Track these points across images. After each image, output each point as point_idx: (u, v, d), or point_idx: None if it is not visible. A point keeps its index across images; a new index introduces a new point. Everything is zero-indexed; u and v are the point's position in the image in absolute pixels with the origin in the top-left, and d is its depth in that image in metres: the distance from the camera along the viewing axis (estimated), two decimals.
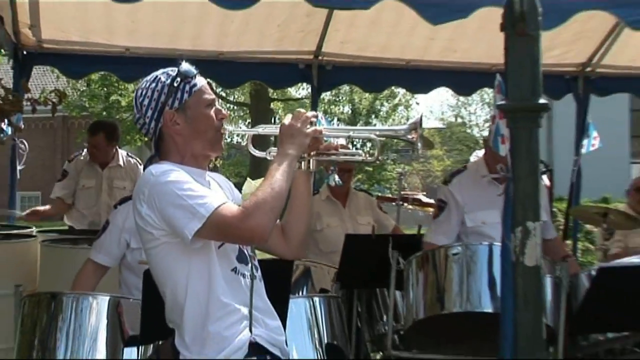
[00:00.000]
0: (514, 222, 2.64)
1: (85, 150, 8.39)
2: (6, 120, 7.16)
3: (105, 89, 26.42)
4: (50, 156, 10.53)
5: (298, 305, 4.74)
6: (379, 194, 10.39)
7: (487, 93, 22.09)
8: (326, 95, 25.69)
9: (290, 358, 4.62)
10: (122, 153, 8.55)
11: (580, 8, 4.62)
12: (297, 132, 3.31)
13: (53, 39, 7.77)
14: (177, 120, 3.33)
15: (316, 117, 3.48)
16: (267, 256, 3.66)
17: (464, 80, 8.68)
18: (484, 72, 7.82)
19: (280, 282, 4.00)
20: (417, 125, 3.50)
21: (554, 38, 6.87)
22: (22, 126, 7.81)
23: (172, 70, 3.42)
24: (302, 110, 3.47)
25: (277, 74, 8.79)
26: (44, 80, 9.41)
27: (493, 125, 4.78)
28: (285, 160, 3.26)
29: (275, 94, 24.70)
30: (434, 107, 48.72)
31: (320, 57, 8.31)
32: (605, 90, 8.88)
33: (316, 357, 4.84)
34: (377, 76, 8.89)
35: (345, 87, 20.97)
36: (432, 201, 9.08)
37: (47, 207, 8.44)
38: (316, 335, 4.85)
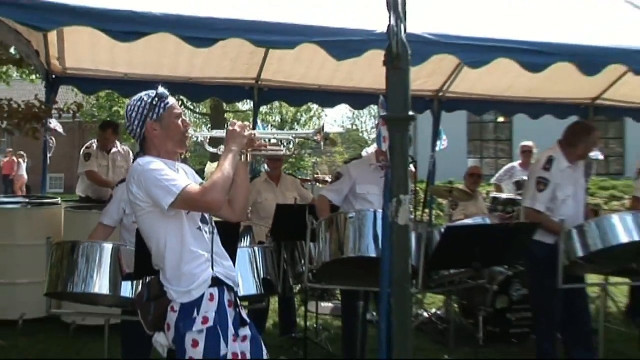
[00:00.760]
0: (391, 195, 2.72)
1: (95, 141, 8.61)
2: (44, 122, 7.85)
3: (109, 103, 26.86)
4: (70, 149, 10.45)
5: (243, 253, 4.86)
6: (300, 177, 10.43)
7: (374, 109, 22.24)
8: (264, 109, 25.69)
9: (239, 288, 4.85)
10: (119, 144, 8.83)
11: (435, 52, 4.81)
12: (238, 135, 3.57)
13: (73, 67, 7.92)
14: (155, 127, 3.55)
15: (251, 125, 3.69)
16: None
17: (358, 99, 8.78)
18: (372, 94, 7.94)
19: (231, 237, 4.10)
20: (321, 130, 3.87)
21: (419, 72, 7.01)
22: (62, 131, 8.20)
23: (152, 93, 3.59)
24: (236, 121, 3.74)
25: (229, 93, 8.93)
26: (67, 96, 9.36)
27: (378, 130, 5.06)
28: (230, 155, 3.50)
29: (228, 107, 24.78)
30: (337, 118, 48.45)
31: (259, 82, 8.43)
32: (452, 109, 9.05)
33: (255, 288, 4.93)
34: (298, 96, 9.02)
35: (277, 103, 20.90)
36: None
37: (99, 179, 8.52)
38: (256, 273, 4.99)
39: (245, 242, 5.65)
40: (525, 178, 6.83)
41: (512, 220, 7.50)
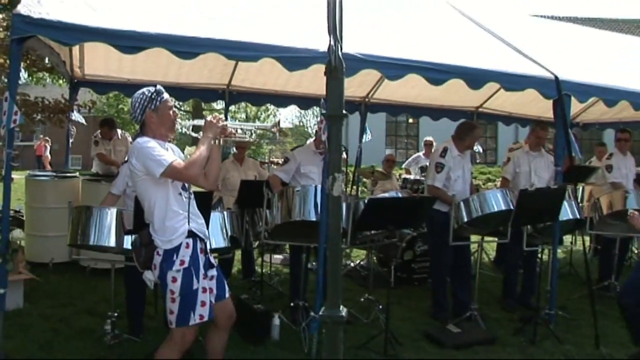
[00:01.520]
0: (328, 173, 2.67)
1: (99, 132, 8.50)
2: (68, 114, 8.00)
3: (116, 102, 26.39)
4: (87, 136, 10.28)
5: (215, 216, 4.79)
6: (260, 160, 10.38)
7: (316, 110, 22.30)
8: (232, 108, 25.36)
9: (210, 244, 4.81)
10: (119, 131, 8.76)
11: (363, 67, 4.78)
12: (213, 125, 3.61)
13: (90, 74, 7.77)
14: (152, 115, 3.57)
15: (224, 118, 3.74)
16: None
17: (304, 101, 8.69)
18: (315, 98, 7.86)
19: (206, 203, 4.13)
20: (277, 124, 3.90)
21: (350, 82, 6.98)
22: (83, 121, 8.41)
23: (152, 88, 3.61)
24: (217, 114, 3.74)
25: (207, 95, 8.77)
26: (85, 95, 9.27)
27: (321, 125, 5.04)
28: (206, 140, 3.55)
29: (205, 106, 24.41)
30: (289, 116, 48.48)
31: (230, 87, 8.29)
32: (374, 111, 8.98)
33: (224, 242, 4.87)
34: (259, 98, 8.85)
35: (243, 103, 20.69)
36: None
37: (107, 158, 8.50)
38: (224, 232, 4.91)
39: (217, 209, 5.56)
40: (428, 164, 6.86)
41: (418, 194, 7.54)
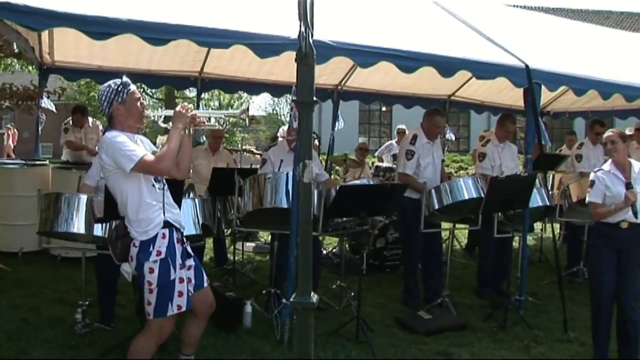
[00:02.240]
0: (299, 160, 2.66)
1: (71, 119, 8.37)
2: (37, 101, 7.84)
3: (87, 89, 25.98)
4: (57, 124, 10.05)
5: (187, 203, 4.76)
6: (232, 148, 10.35)
7: (289, 97, 22.30)
8: (205, 95, 25.07)
9: (184, 230, 4.81)
10: (90, 119, 8.62)
11: (335, 54, 4.76)
12: (183, 115, 3.57)
13: (60, 60, 7.69)
14: (120, 108, 3.52)
15: (193, 107, 3.69)
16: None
17: (277, 89, 8.69)
18: (288, 85, 7.79)
19: (177, 191, 4.08)
20: (245, 111, 3.90)
21: (323, 70, 7.00)
22: (54, 109, 8.38)
23: (118, 81, 3.56)
24: (186, 104, 3.72)
25: (179, 83, 8.78)
26: (55, 83, 9.11)
27: (292, 111, 5.02)
28: (176, 130, 3.52)
29: (178, 93, 24.09)
30: (261, 103, 48.18)
31: (202, 74, 8.28)
32: (347, 99, 9.05)
33: (196, 230, 4.83)
34: (232, 85, 8.86)
35: (215, 91, 20.55)
36: (259, 152, 9.24)
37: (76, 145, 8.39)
38: (196, 219, 4.89)
39: (189, 196, 5.53)
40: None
41: (389, 182, 7.59)
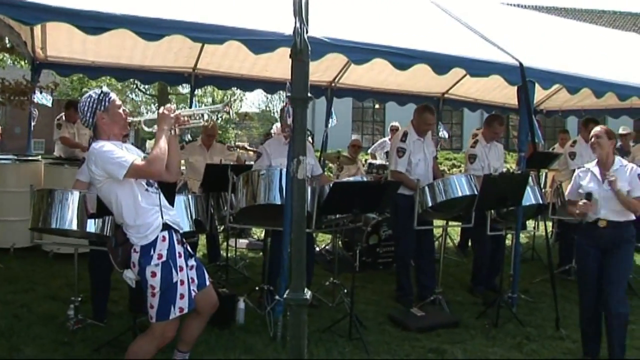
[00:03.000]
0: (293, 156, 2.62)
1: (63, 114, 8.36)
2: (30, 96, 7.78)
3: (80, 85, 25.76)
4: (50, 120, 9.95)
5: (180, 200, 4.78)
6: (227, 144, 10.34)
7: (282, 94, 22.21)
8: (198, 92, 24.98)
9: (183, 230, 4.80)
10: None
11: (329, 51, 4.72)
12: (166, 117, 3.58)
13: (53, 55, 7.62)
14: (103, 116, 3.54)
15: (175, 107, 3.71)
16: None
17: (270, 85, 8.66)
18: (281, 82, 7.77)
19: (170, 191, 4.03)
20: (228, 104, 3.97)
21: (317, 67, 7.02)
22: (49, 103, 8.22)
23: (98, 90, 3.59)
24: (168, 105, 3.72)
25: (172, 79, 8.71)
26: (47, 78, 9.01)
27: (285, 108, 5.02)
28: (162, 133, 3.52)
29: (171, 90, 24.00)
30: (255, 100, 47.94)
31: (195, 70, 8.23)
32: (341, 96, 9.02)
33: (189, 226, 4.83)
34: (225, 82, 8.81)
35: (209, 87, 20.44)
36: (252, 148, 9.20)
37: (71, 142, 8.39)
38: (189, 215, 4.90)
39: (183, 193, 5.53)
40: None
41: (383, 179, 7.59)
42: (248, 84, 8.75)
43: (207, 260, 7.34)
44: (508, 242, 6.70)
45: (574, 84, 5.97)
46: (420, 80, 8.22)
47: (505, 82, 5.67)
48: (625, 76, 6.40)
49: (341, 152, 9.73)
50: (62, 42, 7.10)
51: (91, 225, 4.45)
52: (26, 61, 10.39)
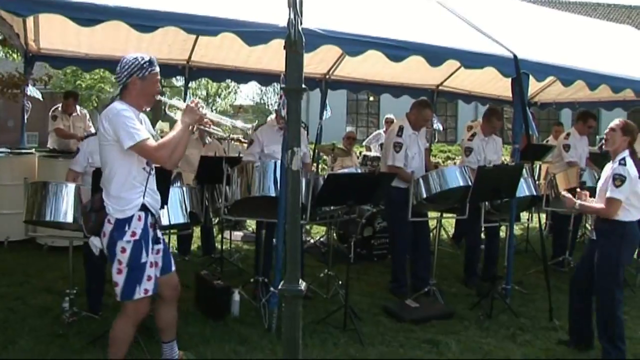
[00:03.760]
0: (287, 148, 2.62)
1: (59, 106, 8.38)
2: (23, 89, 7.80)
3: (74, 77, 25.57)
4: (43, 113, 9.85)
5: (175, 192, 4.78)
6: (221, 136, 10.32)
7: (276, 86, 22.08)
8: (192, 84, 25.00)
9: (169, 220, 4.76)
10: (78, 108, 8.59)
11: (323, 43, 4.71)
12: (193, 110, 3.58)
13: (46, 47, 7.58)
14: (137, 82, 3.51)
15: (203, 106, 3.71)
16: None
17: (265, 78, 8.65)
18: (276, 74, 7.79)
19: (165, 179, 4.12)
20: (252, 128, 3.96)
21: (311, 59, 7.01)
22: (40, 96, 8.21)
23: (146, 57, 3.56)
24: (196, 100, 3.73)
25: (166, 71, 8.46)
26: (40, 71, 8.96)
27: (281, 99, 5.01)
28: (183, 124, 3.54)
29: (165, 82, 23.97)
30: (249, 93, 47.67)
31: (190, 63, 8.22)
32: (335, 88, 8.99)
33: (184, 218, 4.86)
34: (219, 74, 8.77)
35: (203, 80, 20.36)
36: (246, 141, 9.18)
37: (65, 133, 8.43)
38: (184, 207, 4.90)
39: (177, 184, 5.53)
40: None
41: (377, 171, 7.60)
42: (242, 76, 8.72)
43: (202, 252, 7.37)
44: (502, 233, 6.73)
45: (568, 76, 5.99)
46: (415, 72, 8.22)
47: (500, 74, 5.67)
48: (619, 69, 6.42)
49: (336, 144, 9.72)
50: (55, 34, 7.06)
51: None
52: (19, 54, 10.38)
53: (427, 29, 5.97)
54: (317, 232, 8.84)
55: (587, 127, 7.59)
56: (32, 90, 7.98)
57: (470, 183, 5.64)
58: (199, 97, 30.07)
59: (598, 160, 7.36)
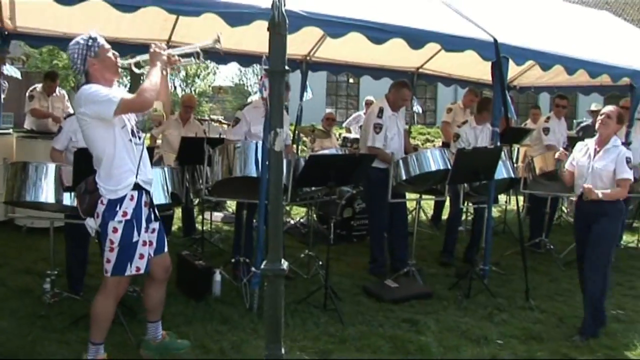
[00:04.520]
0: (270, 128, 2.62)
1: (38, 86, 8.25)
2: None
3: (50, 57, 25.11)
4: (18, 93, 9.68)
5: (156, 172, 4.60)
6: (200, 118, 10.27)
7: (256, 67, 21.86)
8: None
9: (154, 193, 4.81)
10: (58, 88, 8.44)
11: (305, 24, 4.71)
12: (158, 53, 3.66)
13: (23, 26, 7.35)
14: (94, 62, 3.52)
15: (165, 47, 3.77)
16: None
17: (245, 59, 8.61)
18: (256, 55, 7.75)
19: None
20: (218, 39, 3.96)
21: (292, 40, 6.95)
22: (18, 75, 7.86)
23: (86, 36, 3.59)
24: (159, 43, 3.80)
25: (146, 52, 8.23)
26: (16, 49, 8.82)
27: (261, 81, 5.01)
28: (155, 68, 3.59)
29: (144, 62, 23.69)
30: (229, 73, 47.22)
31: (170, 43, 8.05)
32: (315, 69, 8.93)
33: (164, 199, 4.82)
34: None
35: None
36: (226, 122, 9.17)
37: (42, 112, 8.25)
38: (165, 188, 4.88)
39: (159, 166, 5.52)
40: None
41: (357, 153, 7.64)
42: (222, 57, 8.65)
43: (183, 233, 7.37)
44: None
45: (546, 60, 6.05)
46: (396, 54, 8.18)
47: (480, 57, 5.71)
48: (597, 54, 6.50)
49: (315, 125, 9.73)
50: (32, 13, 6.89)
51: (67, 199, 4.43)
52: None
53: (409, 12, 5.97)
54: (297, 213, 8.87)
55: (556, 106, 7.76)
56: (10, 69, 7.86)
57: (449, 166, 5.70)
58: (180, 79, 29.77)
59: (575, 144, 7.46)
